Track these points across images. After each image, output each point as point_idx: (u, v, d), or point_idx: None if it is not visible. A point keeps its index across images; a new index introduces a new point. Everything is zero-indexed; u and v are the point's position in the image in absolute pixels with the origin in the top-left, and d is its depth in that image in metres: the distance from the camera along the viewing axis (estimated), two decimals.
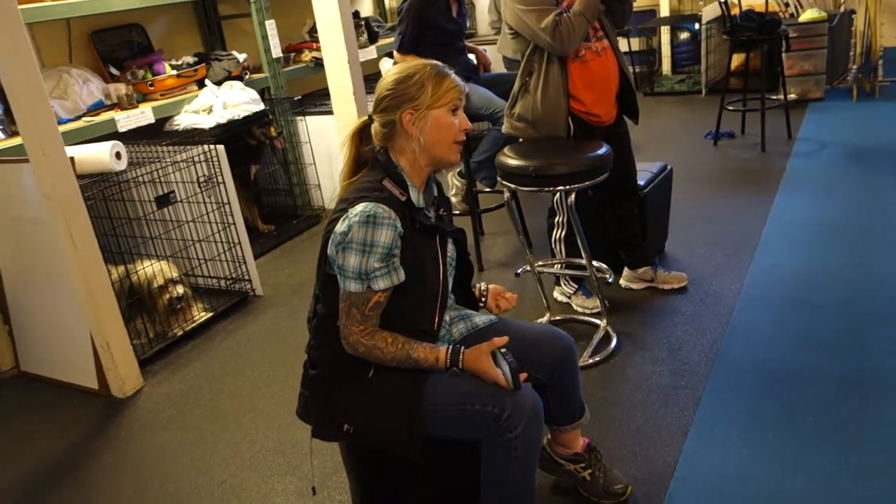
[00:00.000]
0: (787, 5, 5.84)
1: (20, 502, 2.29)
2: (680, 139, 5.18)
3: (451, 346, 1.62)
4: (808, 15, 5.49)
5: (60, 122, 3.35)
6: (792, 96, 5.47)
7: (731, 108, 5.04)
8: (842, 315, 2.66)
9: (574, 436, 1.92)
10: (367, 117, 1.69)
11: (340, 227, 1.55)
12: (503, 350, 1.60)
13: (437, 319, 1.69)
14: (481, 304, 1.91)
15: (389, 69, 1.68)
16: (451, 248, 1.76)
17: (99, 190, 3.03)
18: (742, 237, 3.42)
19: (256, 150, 4.19)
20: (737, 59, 5.53)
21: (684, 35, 6.84)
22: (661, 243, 3.39)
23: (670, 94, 6.56)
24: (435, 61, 1.65)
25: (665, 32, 6.85)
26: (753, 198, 3.89)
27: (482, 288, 1.92)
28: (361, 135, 1.70)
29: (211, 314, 3.33)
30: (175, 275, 3.20)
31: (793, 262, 3.12)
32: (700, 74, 6.34)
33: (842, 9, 5.78)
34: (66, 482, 2.35)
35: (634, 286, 3.07)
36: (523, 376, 1.59)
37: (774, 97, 5.24)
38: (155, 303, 3.14)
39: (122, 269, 3.10)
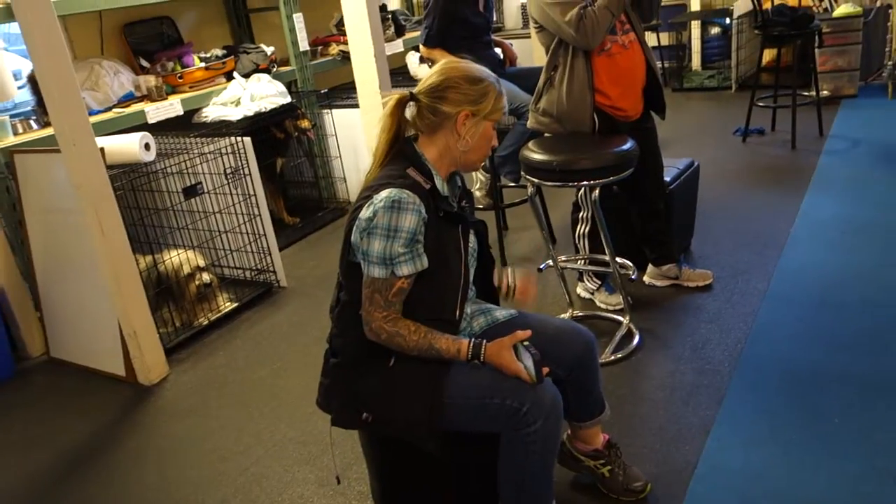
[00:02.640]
0: (820, 0, 5.73)
1: (47, 484, 2.35)
2: (708, 135, 5.12)
3: (473, 339, 1.62)
4: (842, 10, 5.38)
5: (91, 114, 3.41)
6: (824, 93, 5.37)
7: (761, 104, 4.97)
8: (869, 317, 2.61)
9: (594, 432, 1.91)
10: (408, 92, 1.66)
11: (365, 213, 1.56)
12: (526, 343, 1.60)
13: (458, 309, 1.69)
14: (507, 295, 1.91)
15: (442, 64, 1.67)
16: (472, 239, 1.76)
17: (128, 180, 3.08)
18: (769, 235, 3.37)
19: (283, 142, 4.23)
20: (768, 55, 5.44)
21: (715, 30, 6.75)
22: (686, 240, 3.35)
23: (699, 89, 6.48)
24: (495, 75, 1.68)
25: (695, 27, 6.76)
26: (782, 196, 3.83)
27: (509, 279, 1.91)
28: (404, 106, 1.66)
29: (236, 304, 3.37)
30: (202, 263, 3.24)
31: (821, 261, 3.07)
32: (730, 70, 6.25)
33: (878, 3, 5.65)
34: (91, 466, 2.40)
35: (658, 283, 3.04)
36: (546, 370, 1.59)
37: (806, 94, 5.15)
38: (183, 291, 3.18)
39: (149, 258, 3.15)
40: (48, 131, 3.20)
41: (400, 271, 1.56)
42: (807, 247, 3.22)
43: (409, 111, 1.65)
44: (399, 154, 1.66)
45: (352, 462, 2.20)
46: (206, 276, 3.22)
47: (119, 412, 2.71)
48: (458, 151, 1.65)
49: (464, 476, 1.84)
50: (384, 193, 1.55)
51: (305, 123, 4.13)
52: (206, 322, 3.23)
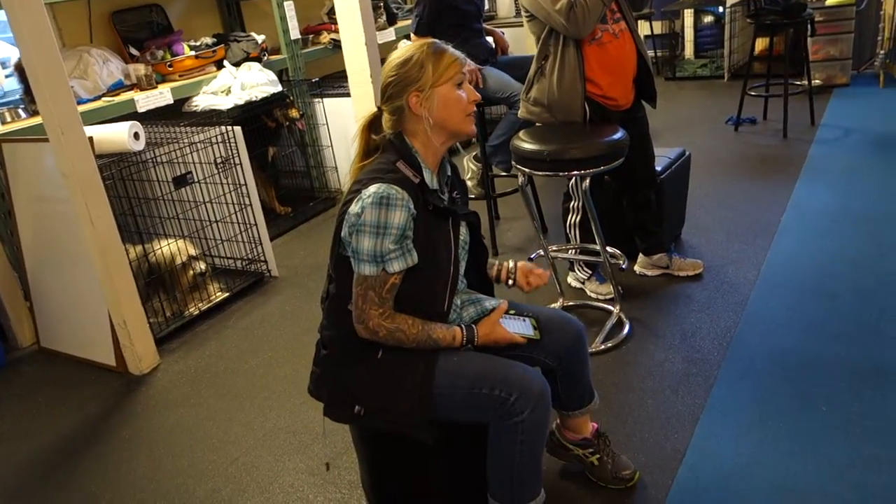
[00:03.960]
0: None
1: (39, 475, 2.35)
2: (700, 124, 5.12)
3: (464, 326, 1.65)
4: None
5: (80, 102, 3.39)
6: (816, 82, 5.37)
7: (753, 93, 4.97)
8: (859, 306, 2.63)
9: (583, 421, 1.92)
10: (376, 109, 1.69)
11: (354, 208, 1.55)
12: (512, 312, 1.67)
13: (447, 302, 1.69)
14: (509, 284, 1.90)
15: (390, 55, 1.68)
16: (464, 231, 1.76)
17: (117, 170, 3.07)
18: (760, 225, 3.38)
19: (274, 132, 4.21)
20: (760, 44, 5.43)
21: (708, 18, 6.73)
22: (677, 230, 3.36)
23: (692, 78, 6.47)
24: (432, 39, 1.65)
25: (688, 16, 6.74)
26: (773, 185, 3.84)
27: (510, 266, 1.90)
28: (372, 126, 1.70)
29: (227, 294, 3.37)
30: (194, 252, 3.24)
31: (811, 251, 3.08)
32: (723, 59, 6.25)
33: None
34: (83, 456, 2.40)
35: (649, 273, 3.05)
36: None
37: (798, 83, 5.15)
38: (177, 280, 3.17)
39: (139, 248, 3.14)
40: (36, 120, 3.17)
41: (391, 268, 1.56)
42: (797, 236, 3.23)
43: (384, 122, 1.66)
44: (389, 146, 1.65)
45: (342, 451, 2.20)
46: (201, 265, 3.22)
47: (110, 402, 2.70)
48: (433, 129, 1.62)
49: (453, 466, 1.84)
50: (372, 189, 1.54)
51: (294, 112, 4.11)
52: (196, 312, 3.22)
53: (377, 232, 1.53)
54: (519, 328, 1.69)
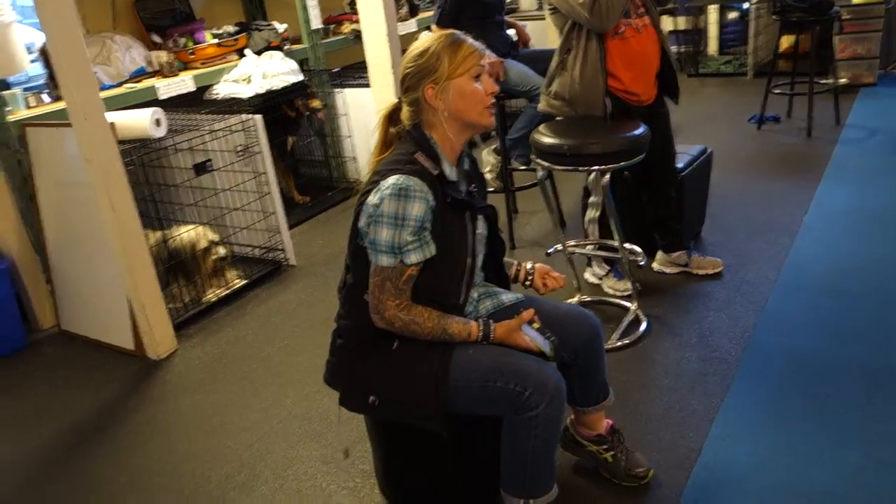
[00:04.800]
0: None
1: (57, 456, 2.38)
2: (722, 122, 5.06)
3: (482, 321, 1.64)
4: None
5: (103, 88, 3.42)
6: (842, 81, 5.29)
7: (777, 91, 4.90)
8: (880, 309, 2.59)
9: (597, 417, 1.92)
10: (396, 100, 1.69)
11: (372, 199, 1.55)
12: (537, 326, 1.64)
13: (463, 295, 1.69)
14: (527, 284, 1.90)
15: (410, 46, 1.67)
16: (481, 224, 1.75)
17: (138, 156, 3.09)
18: (781, 224, 3.34)
19: (294, 121, 4.22)
20: (786, 41, 5.35)
21: (732, 15, 6.64)
22: (697, 228, 3.33)
23: (715, 75, 6.40)
24: (452, 30, 1.64)
25: (713, 11, 6.65)
26: (796, 184, 3.79)
27: (528, 267, 1.91)
28: (392, 118, 1.70)
29: (244, 281, 3.39)
30: (216, 237, 3.26)
31: (833, 252, 3.04)
32: (747, 56, 6.17)
33: None
34: (100, 438, 2.43)
35: (668, 270, 3.03)
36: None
37: (824, 81, 5.07)
38: (199, 265, 3.20)
39: (159, 234, 3.17)
40: (60, 105, 3.20)
41: (409, 259, 1.56)
42: (819, 236, 3.19)
43: (403, 113, 1.66)
44: (408, 137, 1.65)
45: (356, 440, 2.21)
46: (221, 250, 3.25)
47: (127, 385, 2.73)
48: (448, 121, 1.61)
49: (466, 459, 1.84)
50: (391, 180, 1.53)
51: (316, 103, 4.12)
52: (214, 298, 3.24)
53: (395, 223, 1.53)
54: (537, 340, 1.66)
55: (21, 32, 3.15)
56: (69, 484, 2.23)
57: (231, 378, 2.68)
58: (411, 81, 1.61)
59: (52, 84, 3.40)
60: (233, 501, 2.06)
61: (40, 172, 3.11)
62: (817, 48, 4.71)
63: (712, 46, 6.78)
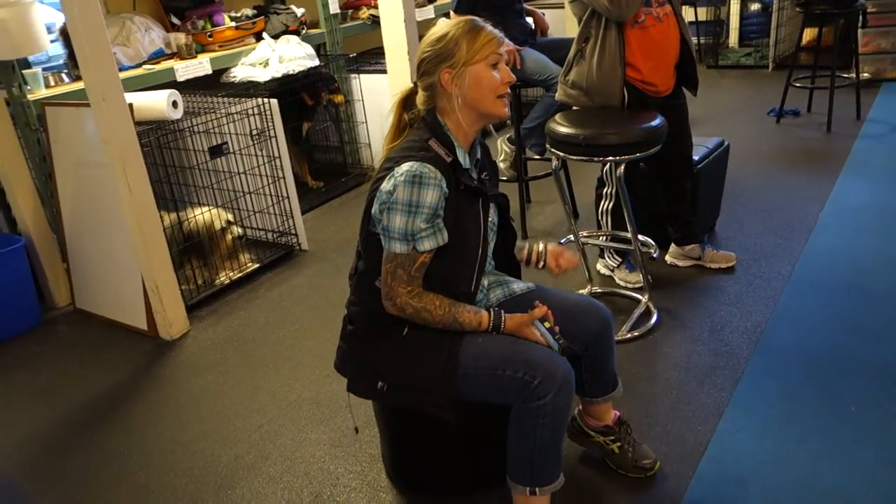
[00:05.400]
0: None
1: (69, 432, 2.41)
2: (741, 115, 5.01)
3: (493, 311, 1.64)
4: None
5: (121, 69, 3.43)
6: (865, 75, 5.21)
7: (798, 84, 4.84)
8: None
9: (605, 408, 1.92)
10: (412, 84, 1.68)
11: (386, 185, 1.55)
12: (547, 324, 1.64)
13: (474, 283, 1.69)
14: (539, 266, 1.87)
15: (428, 31, 1.66)
16: (493, 212, 1.75)
17: (155, 137, 3.11)
18: (798, 219, 3.31)
19: (311, 109, 4.22)
20: (808, 34, 5.28)
21: (755, 6, 6.56)
22: (711, 221, 3.31)
23: (735, 67, 6.33)
24: (471, 16, 1.63)
25: (735, 3, 6.57)
26: (814, 179, 3.75)
27: (539, 249, 1.87)
28: (406, 103, 1.70)
29: (257, 265, 3.41)
30: (231, 217, 3.29)
31: (849, 247, 3.01)
32: (768, 48, 6.09)
33: None
34: (111, 416, 2.46)
35: (680, 263, 3.01)
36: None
37: (846, 75, 5.00)
38: (217, 244, 3.22)
39: (173, 215, 3.19)
40: (79, 85, 3.22)
41: (421, 246, 1.56)
42: (836, 232, 3.16)
43: (418, 98, 1.65)
44: (422, 123, 1.65)
45: (364, 425, 2.23)
46: (238, 230, 3.27)
47: (140, 365, 2.77)
48: (462, 108, 1.60)
49: (474, 447, 1.85)
50: (405, 167, 1.53)
51: (339, 98, 4.13)
52: (227, 281, 3.27)
53: (409, 210, 1.53)
54: (547, 337, 1.65)
55: (41, 12, 3.16)
56: (83, 458, 2.26)
57: (242, 360, 2.71)
58: (428, 66, 1.60)
59: (71, 64, 3.42)
60: (241, 481, 2.08)
61: (59, 152, 3.13)
62: (840, 41, 4.65)
63: (733, 38, 6.70)
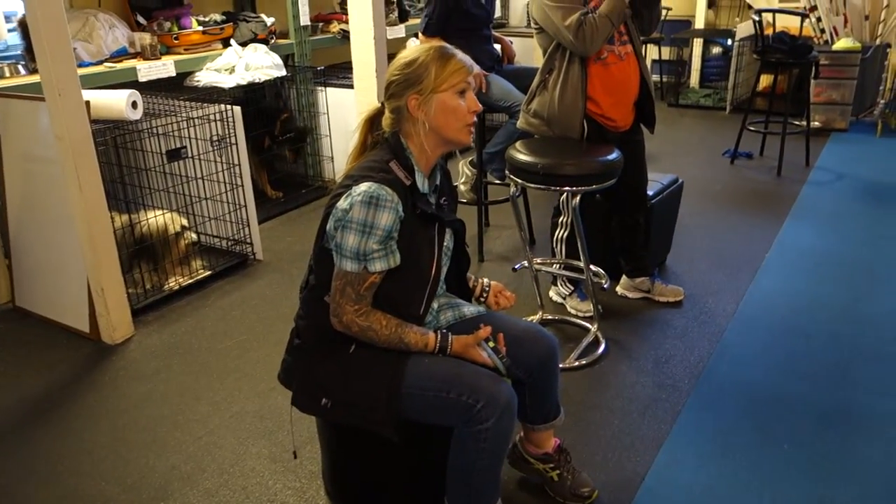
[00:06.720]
0: (822, 31, 5.78)
1: (1, 433, 2.33)
2: (697, 154, 5.16)
3: (440, 333, 1.64)
4: (842, 44, 5.44)
5: (81, 65, 3.37)
6: (815, 124, 5.43)
7: (752, 128, 5.01)
8: (832, 348, 2.66)
9: (546, 436, 1.93)
10: (379, 104, 1.69)
11: (343, 203, 1.55)
12: (493, 345, 1.66)
13: (424, 306, 1.70)
14: (482, 300, 1.92)
15: (399, 53, 1.68)
16: (449, 237, 1.76)
17: (111, 136, 3.05)
18: (744, 259, 3.41)
19: (268, 147, 4.24)
20: (765, 80, 5.48)
21: (716, 49, 6.79)
22: (663, 255, 3.38)
23: (695, 107, 6.52)
24: (442, 43, 1.65)
25: (697, 45, 6.79)
26: (762, 221, 3.87)
27: (485, 283, 1.93)
28: (373, 121, 1.71)
29: (209, 272, 3.35)
30: (186, 223, 3.23)
31: (791, 289, 3.11)
32: (727, 91, 6.30)
33: (878, 41, 5.71)
34: (47, 419, 2.39)
35: (630, 295, 3.07)
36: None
37: (798, 122, 5.20)
38: (168, 250, 3.16)
39: (125, 217, 3.12)
40: (35, 78, 3.14)
41: (373, 267, 1.56)
42: (780, 274, 3.26)
43: (384, 119, 1.66)
44: (385, 144, 1.66)
45: (306, 441, 2.20)
46: (192, 236, 3.22)
47: (78, 368, 2.69)
48: (427, 134, 1.61)
49: (414, 465, 1.85)
50: (363, 187, 1.54)
51: (285, 115, 4.19)
52: (176, 287, 3.21)
53: (363, 231, 1.53)
54: (493, 358, 1.68)
55: (1, 0, 3.10)
56: (11, 461, 2.18)
57: (185, 368, 2.66)
58: (396, 89, 1.61)
59: (28, 56, 3.34)
60: (175, 493, 2.03)
61: (8, 144, 3.05)
62: (794, 90, 4.84)
63: (694, 79, 6.91)
